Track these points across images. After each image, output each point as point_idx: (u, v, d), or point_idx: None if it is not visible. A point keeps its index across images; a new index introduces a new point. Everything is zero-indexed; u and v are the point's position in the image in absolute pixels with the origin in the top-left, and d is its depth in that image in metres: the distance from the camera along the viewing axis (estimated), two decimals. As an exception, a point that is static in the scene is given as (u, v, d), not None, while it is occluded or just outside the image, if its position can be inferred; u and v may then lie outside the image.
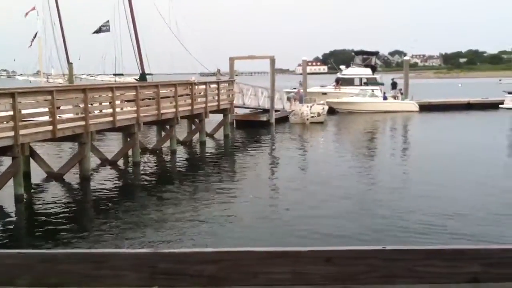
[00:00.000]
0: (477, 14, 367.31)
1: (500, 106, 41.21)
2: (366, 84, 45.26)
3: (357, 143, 26.62)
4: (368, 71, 46.93)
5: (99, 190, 15.65)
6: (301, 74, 47.88)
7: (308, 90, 42.73)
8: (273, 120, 32.23)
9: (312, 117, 32.53)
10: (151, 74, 36.70)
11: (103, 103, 18.72)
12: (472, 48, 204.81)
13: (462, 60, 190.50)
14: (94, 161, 18.61)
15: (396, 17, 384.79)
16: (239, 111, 32.81)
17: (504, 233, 10.69)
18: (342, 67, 51.34)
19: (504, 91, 44.68)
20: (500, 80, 73.08)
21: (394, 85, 45.12)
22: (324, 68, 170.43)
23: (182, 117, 22.87)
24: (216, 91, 26.79)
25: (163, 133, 23.52)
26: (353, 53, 54.71)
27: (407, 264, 1.90)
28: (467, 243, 9.49)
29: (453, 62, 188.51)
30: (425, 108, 40.47)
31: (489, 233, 10.69)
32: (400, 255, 1.93)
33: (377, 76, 47.62)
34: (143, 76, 35.33)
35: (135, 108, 19.29)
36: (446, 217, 11.86)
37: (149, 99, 20.88)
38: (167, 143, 22.51)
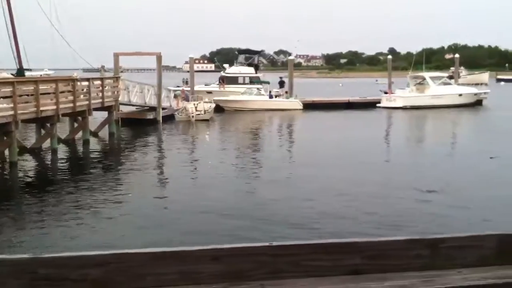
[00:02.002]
0: (354, 17, 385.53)
1: (377, 105, 43.57)
2: (252, 82, 46.01)
3: (242, 140, 27.01)
4: (251, 69, 47.70)
5: (-28, 192, 14.60)
6: (188, 71, 47.65)
7: (196, 87, 42.59)
8: (160, 118, 31.81)
9: (198, 114, 32.61)
10: (30, 70, 34.84)
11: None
12: (351, 49, 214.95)
13: (342, 60, 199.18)
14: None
15: (281, 17, 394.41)
16: (124, 109, 32.06)
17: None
18: (226, 65, 51.84)
19: (380, 91, 47.34)
20: (376, 80, 77.39)
21: (281, 84, 46.22)
22: (211, 66, 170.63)
23: (63, 115, 21.96)
24: (100, 88, 25.99)
25: (43, 132, 22.40)
26: (236, 52, 55.26)
27: (293, 258, 1.93)
28: (349, 237, 9.90)
29: (334, 63, 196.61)
30: (309, 106, 41.82)
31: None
32: (286, 250, 1.96)
33: (260, 74, 48.60)
34: (20, 72, 33.43)
35: (12, 105, 18.19)
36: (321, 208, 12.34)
37: (28, 95, 19.80)
38: (48, 142, 21.48)
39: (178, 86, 43.30)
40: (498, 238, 2.13)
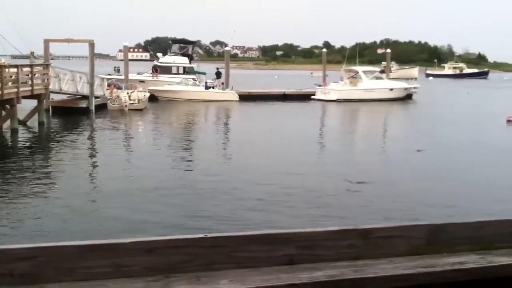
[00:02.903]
0: (292, 12, 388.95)
1: (312, 97, 44.20)
2: (187, 73, 45.62)
3: (176, 131, 26.79)
4: (185, 60, 47.26)
5: None
6: (122, 60, 46.68)
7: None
8: (92, 107, 31.03)
9: (132, 103, 32.06)
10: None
11: None
12: (287, 42, 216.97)
13: (278, 53, 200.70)
14: None
15: (218, 9, 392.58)
16: (55, 97, 31.07)
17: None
18: (159, 55, 51.18)
19: (315, 84, 48.02)
20: (311, 73, 78.59)
21: (218, 75, 46.04)
22: (146, 55, 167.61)
23: (-10, 103, 21.06)
24: (30, 75, 25.08)
25: (-33, 120, 21.43)
26: (170, 42, 54.40)
27: (227, 250, 1.93)
28: (283, 227, 10.01)
29: (270, 55, 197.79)
30: (245, 98, 41.91)
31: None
32: (221, 242, 1.95)
33: (194, 65, 48.22)
34: None
35: None
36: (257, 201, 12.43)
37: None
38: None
39: (109, 75, 42.31)
40: (427, 228, 2.20)
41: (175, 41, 51.86)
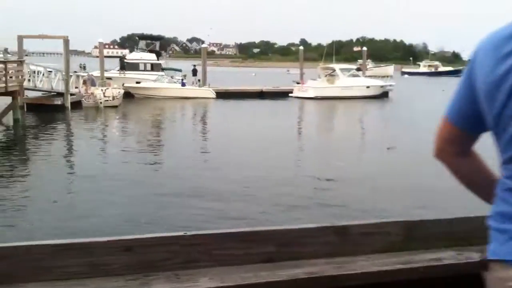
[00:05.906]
0: (268, 9, 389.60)
1: (290, 95, 44.31)
2: (163, 69, 45.17)
3: (151, 128, 26.59)
4: (152, 56, 46.56)
5: None
6: (97, 57, 46.15)
7: (93, 73, 40.73)
8: (68, 104, 30.71)
9: (106, 100, 31.80)
10: None
11: None
12: (264, 39, 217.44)
13: (255, 50, 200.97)
14: None
15: (194, 5, 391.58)
16: (30, 94, 30.68)
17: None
18: (126, 51, 50.47)
19: (293, 81, 48.17)
20: (288, 71, 78.80)
21: (194, 72, 45.80)
22: (122, 52, 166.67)
23: (-38, 100, 20.70)
24: (3, 72, 24.71)
25: None
26: (137, 38, 53.67)
27: (206, 248, 1.93)
28: (262, 225, 9.99)
29: (247, 52, 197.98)
30: (222, 95, 41.80)
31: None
32: (200, 239, 1.95)
33: (162, 61, 47.51)
34: None
35: None
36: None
37: None
38: None
39: (75, 72, 41.78)
40: (404, 224, 2.22)
41: (142, 37, 51.02)
